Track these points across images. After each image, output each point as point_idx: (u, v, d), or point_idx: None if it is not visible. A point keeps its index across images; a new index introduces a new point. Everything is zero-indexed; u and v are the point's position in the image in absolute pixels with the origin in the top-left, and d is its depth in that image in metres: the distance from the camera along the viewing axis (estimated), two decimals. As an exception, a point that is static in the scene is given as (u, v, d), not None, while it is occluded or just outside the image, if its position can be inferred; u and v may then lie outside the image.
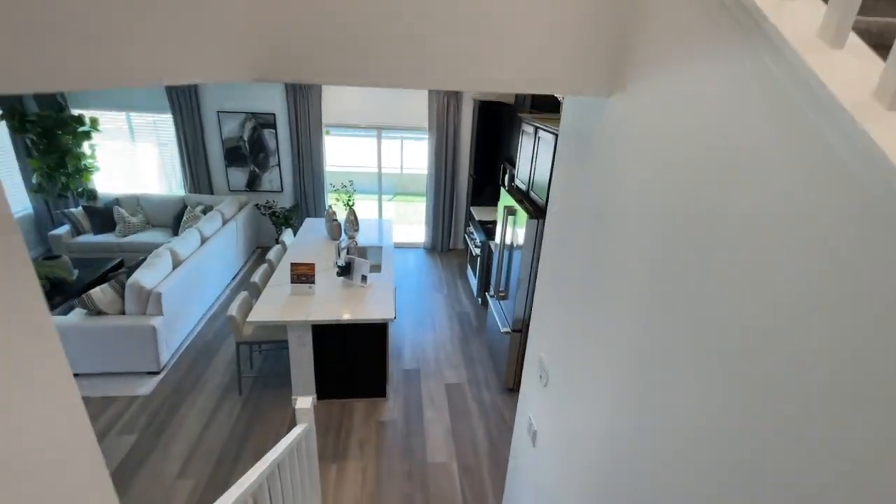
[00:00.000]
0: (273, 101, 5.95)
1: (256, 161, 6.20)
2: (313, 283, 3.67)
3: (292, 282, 3.65)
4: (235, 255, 5.60)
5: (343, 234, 4.79)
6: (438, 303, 5.43)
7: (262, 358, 4.23)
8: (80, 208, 5.63)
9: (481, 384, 4.06)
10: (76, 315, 3.73)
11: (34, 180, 5.57)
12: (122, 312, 3.82)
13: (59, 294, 4.29)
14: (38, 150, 5.35)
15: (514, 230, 3.63)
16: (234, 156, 6.14)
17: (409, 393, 3.89)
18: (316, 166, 6.22)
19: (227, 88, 5.82)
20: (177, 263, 4.28)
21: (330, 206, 4.78)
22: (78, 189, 5.69)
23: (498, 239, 4.07)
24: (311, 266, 3.65)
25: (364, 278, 3.85)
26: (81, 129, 5.43)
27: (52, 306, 4.08)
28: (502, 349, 3.93)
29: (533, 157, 3.61)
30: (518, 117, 4.49)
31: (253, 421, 3.49)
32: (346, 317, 3.36)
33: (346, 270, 3.87)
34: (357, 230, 4.77)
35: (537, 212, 3.35)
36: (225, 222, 5.40)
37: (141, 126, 5.97)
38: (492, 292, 4.32)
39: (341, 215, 4.94)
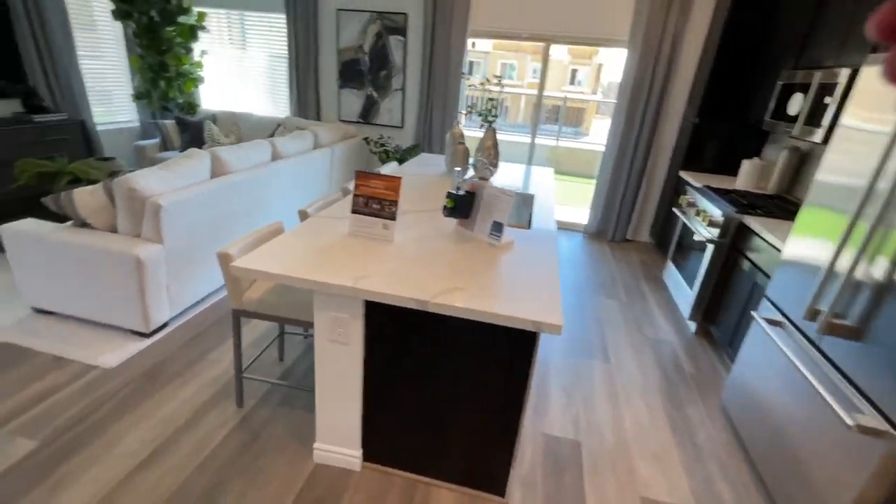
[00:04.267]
0: (407, -4, 4.29)
1: (376, 81, 4.62)
2: (393, 219, 1.74)
3: (353, 209, 1.77)
4: (327, 190, 4.04)
5: (469, 166, 2.82)
6: (612, 316, 3.11)
7: (304, 348, 2.48)
8: (172, 121, 4.71)
9: (737, 529, 1.67)
10: (57, 226, 2.41)
11: (135, 83, 4.82)
12: (115, 230, 2.41)
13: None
14: (140, 46, 4.53)
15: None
16: (349, 72, 4.65)
17: (559, 499, 1.71)
18: (451, 93, 4.39)
19: (353, -23, 4.34)
20: (217, 175, 2.78)
21: (457, 122, 2.85)
22: (178, 99, 4.80)
23: (860, 180, 1.64)
24: (395, 183, 1.73)
25: (498, 229, 1.79)
26: (185, 19, 4.47)
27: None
28: (820, 466, 1.49)
29: None
30: None
31: (236, 468, 1.70)
32: (448, 301, 1.34)
33: (462, 206, 1.86)
34: (496, 164, 2.75)
35: None
36: (317, 147, 3.88)
37: (254, 31, 4.87)
38: (810, 315, 1.88)
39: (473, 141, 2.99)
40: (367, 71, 4.60)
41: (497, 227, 1.79)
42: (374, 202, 1.76)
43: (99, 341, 2.36)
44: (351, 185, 2.64)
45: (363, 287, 1.39)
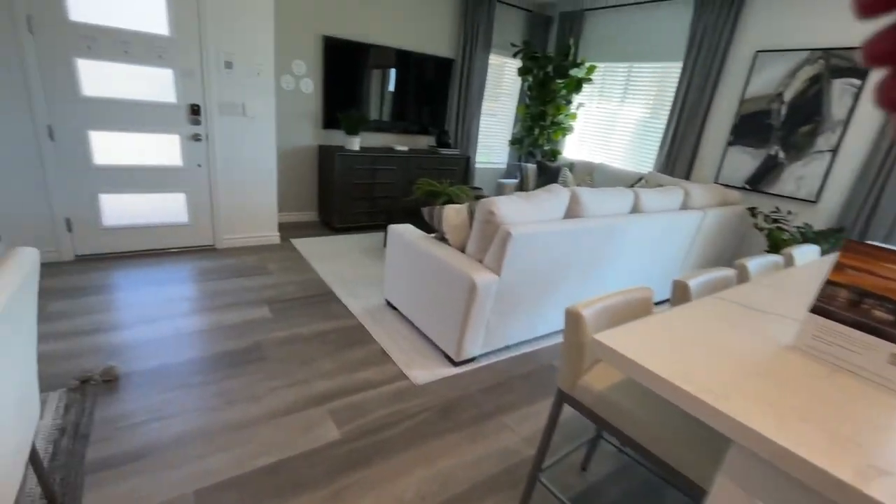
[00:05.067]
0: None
1: (789, 139, 3.45)
2: (928, 351, 0.81)
3: (816, 306, 0.95)
4: (681, 261, 3.22)
5: None
6: None
7: (617, 466, 1.75)
8: (534, 164, 4.95)
9: None
10: (423, 234, 2.62)
11: (513, 130, 5.36)
12: (464, 251, 2.40)
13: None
14: (529, 97, 5.00)
15: None
16: (748, 127, 3.67)
17: None
18: (936, 159, 2.74)
19: (789, 8, 3.37)
20: (570, 216, 2.45)
21: None
22: (544, 146, 5.04)
23: None
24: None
25: None
26: (575, 72, 4.61)
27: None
28: None
29: None
30: None
31: None
32: None
33: None
34: None
35: None
36: (685, 208, 3.12)
37: (638, 82, 4.58)
38: None
39: None
40: (780, 125, 3.49)
41: None
42: (880, 305, 0.88)
43: (417, 353, 2.38)
44: (751, 264, 1.77)
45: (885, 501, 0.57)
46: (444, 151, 4.73)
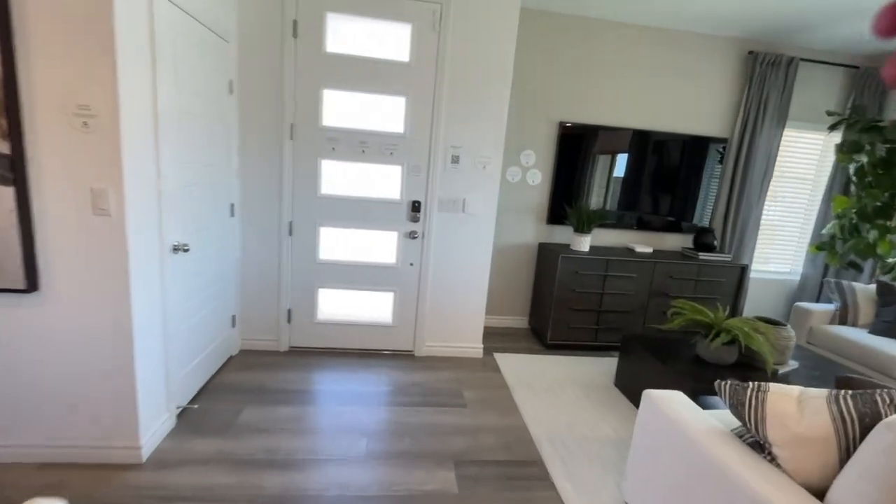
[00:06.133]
0: None
1: None
2: None
3: None
4: None
5: None
6: None
7: None
8: (872, 285, 3.15)
9: None
10: (715, 432, 1.52)
11: (824, 231, 3.65)
12: (814, 491, 1.19)
13: (742, 371, 2.19)
14: (859, 183, 3.34)
15: None
16: None
17: None
18: None
19: None
20: None
21: None
22: (888, 257, 3.20)
23: None
24: None
25: None
26: (965, 146, 2.83)
27: (703, 388, 2.09)
28: None
29: None
30: None
31: None
32: None
33: None
34: None
35: None
36: None
37: None
38: None
39: None
40: None
41: None
42: None
43: None
44: None
45: None
46: (706, 256, 3.46)
